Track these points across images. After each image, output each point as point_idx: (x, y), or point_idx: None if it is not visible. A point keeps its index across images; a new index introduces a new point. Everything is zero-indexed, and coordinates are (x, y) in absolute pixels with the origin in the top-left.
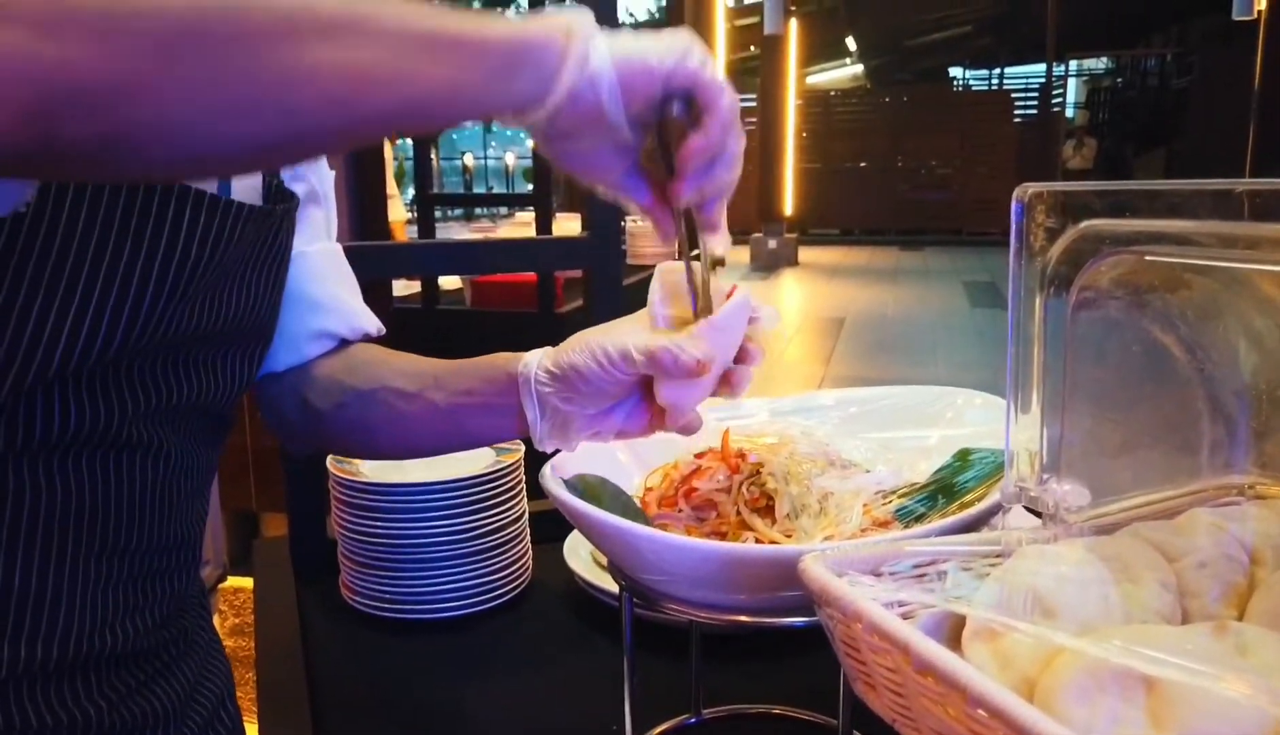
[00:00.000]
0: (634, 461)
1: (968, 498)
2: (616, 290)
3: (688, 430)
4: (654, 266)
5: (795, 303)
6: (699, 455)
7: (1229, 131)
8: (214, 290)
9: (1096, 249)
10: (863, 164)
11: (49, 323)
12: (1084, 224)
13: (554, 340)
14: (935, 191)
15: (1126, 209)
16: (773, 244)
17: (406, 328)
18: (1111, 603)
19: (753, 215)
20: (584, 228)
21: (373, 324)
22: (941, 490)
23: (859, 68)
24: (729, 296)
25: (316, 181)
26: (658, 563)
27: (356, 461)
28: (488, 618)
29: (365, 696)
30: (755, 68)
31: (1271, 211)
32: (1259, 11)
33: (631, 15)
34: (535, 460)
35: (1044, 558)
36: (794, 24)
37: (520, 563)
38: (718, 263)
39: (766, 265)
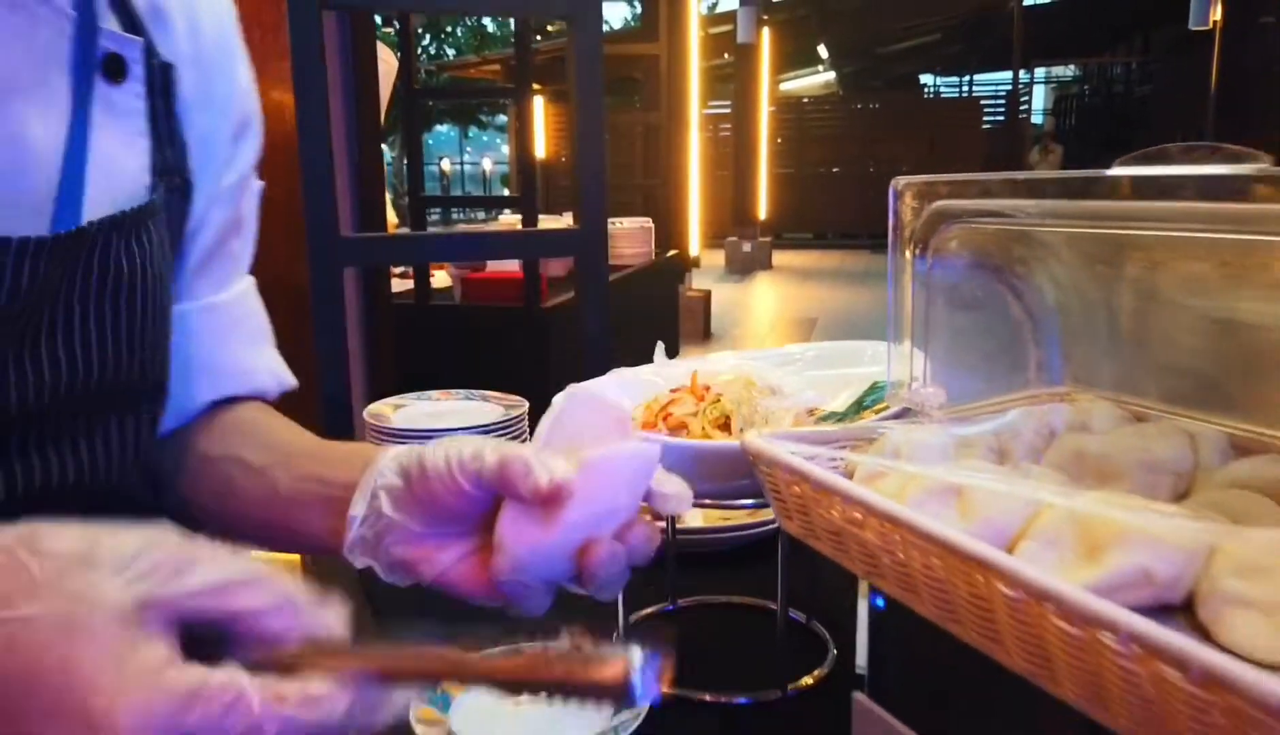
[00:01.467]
0: (624, 397)
1: (871, 411)
2: (603, 277)
3: (521, 606)
4: (631, 266)
5: (769, 304)
6: (674, 391)
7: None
8: (30, 345)
9: (943, 222)
10: (835, 169)
11: None
12: (935, 204)
13: (540, 333)
14: None
15: (987, 193)
16: (747, 247)
17: (401, 323)
18: (949, 455)
19: (727, 220)
20: (575, 221)
21: (274, 381)
22: (854, 407)
23: (831, 75)
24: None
25: (244, 205)
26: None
27: (386, 407)
28: None
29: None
30: (729, 75)
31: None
32: (1214, 22)
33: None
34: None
35: (908, 431)
36: (766, 33)
37: None
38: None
39: (741, 268)
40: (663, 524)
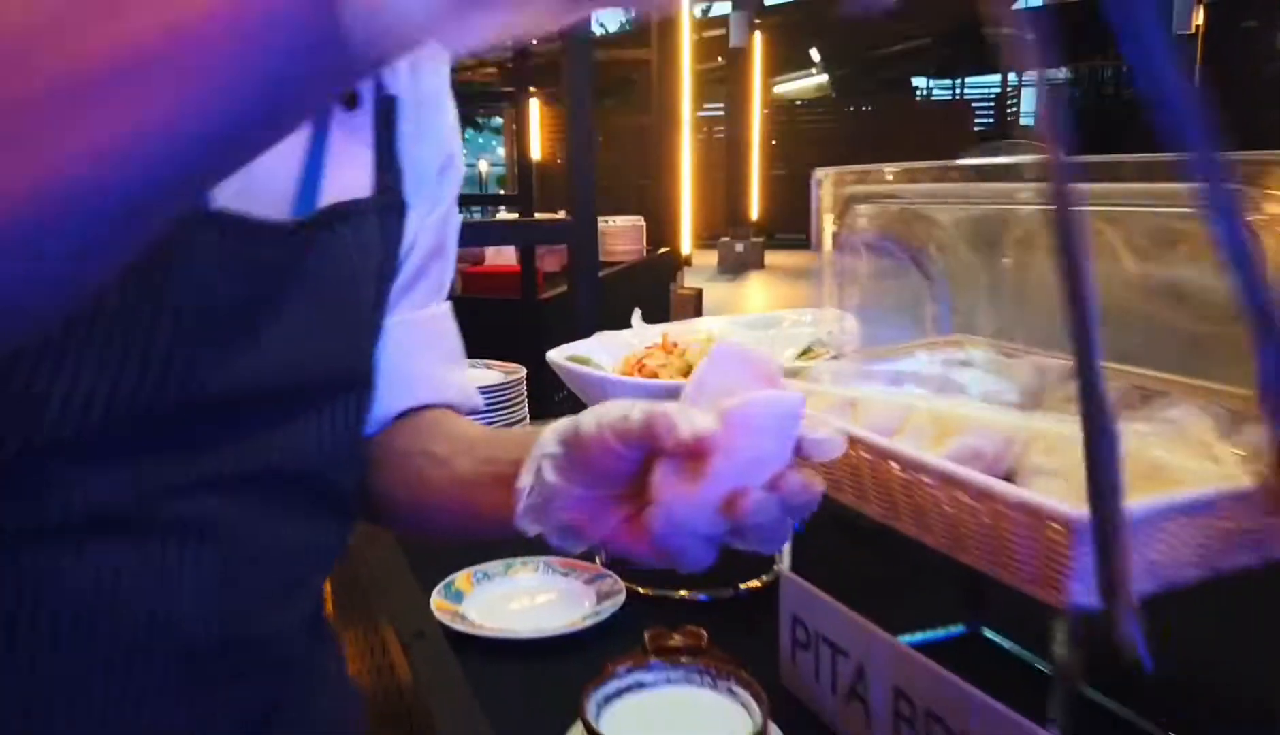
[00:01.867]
0: (605, 357)
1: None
2: (593, 262)
3: (682, 561)
4: (623, 262)
5: (759, 301)
6: (648, 348)
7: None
8: (250, 333)
9: (852, 204)
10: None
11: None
12: (846, 189)
13: (536, 323)
14: None
15: (888, 180)
16: (739, 248)
17: None
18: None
19: (721, 220)
20: (568, 214)
21: (463, 397)
22: (798, 355)
23: (824, 78)
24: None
25: (447, 233)
26: (623, 396)
27: None
28: None
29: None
30: (723, 78)
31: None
32: (1197, 27)
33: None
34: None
35: (827, 366)
36: (758, 37)
37: None
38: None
39: (733, 268)
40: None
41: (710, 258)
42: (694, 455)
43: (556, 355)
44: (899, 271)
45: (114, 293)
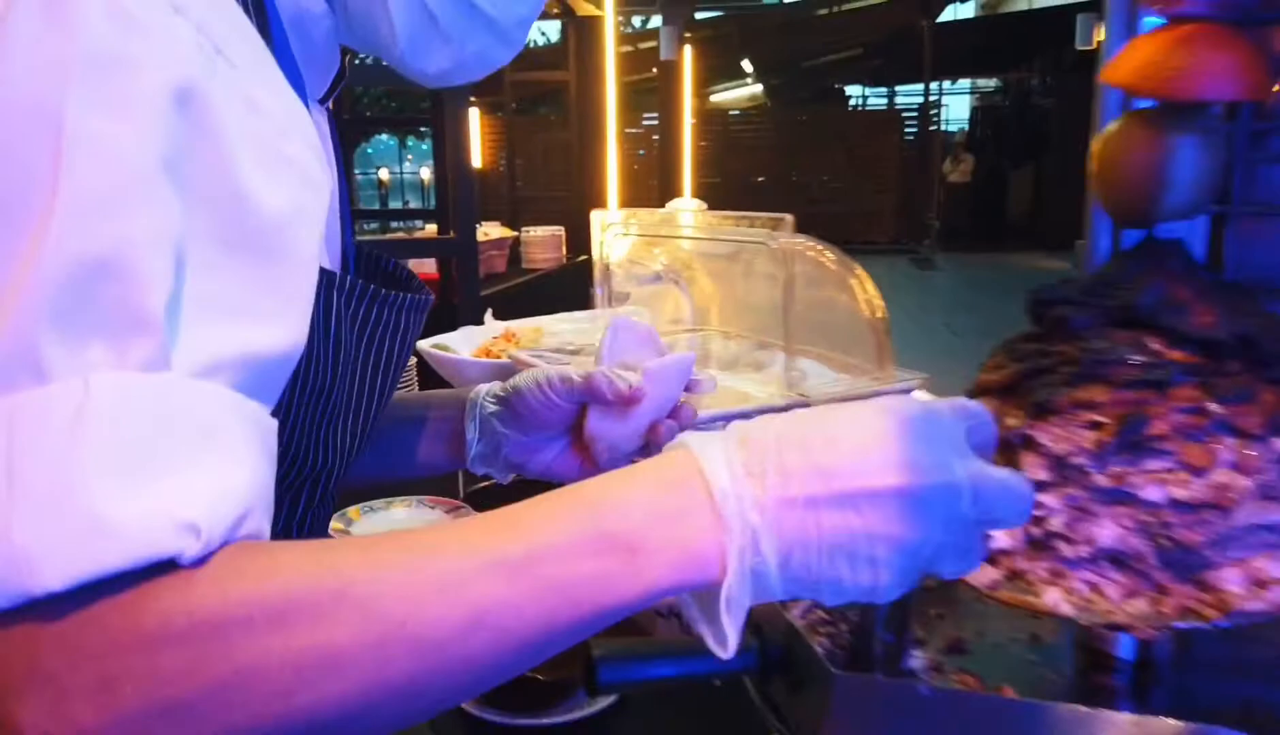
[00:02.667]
0: (464, 345)
1: None
2: (473, 274)
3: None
4: (543, 270)
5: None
6: (495, 337)
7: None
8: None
9: (618, 238)
10: (760, 179)
11: None
12: (611, 229)
13: (449, 325)
14: (827, 204)
15: (654, 220)
16: None
17: None
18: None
19: None
20: (451, 230)
21: None
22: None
23: (758, 88)
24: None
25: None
26: (466, 374)
27: None
28: None
29: None
30: (656, 88)
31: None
32: (1098, 42)
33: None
34: None
35: None
36: (688, 50)
37: None
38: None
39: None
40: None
41: None
42: (624, 402)
43: (425, 344)
44: (666, 283)
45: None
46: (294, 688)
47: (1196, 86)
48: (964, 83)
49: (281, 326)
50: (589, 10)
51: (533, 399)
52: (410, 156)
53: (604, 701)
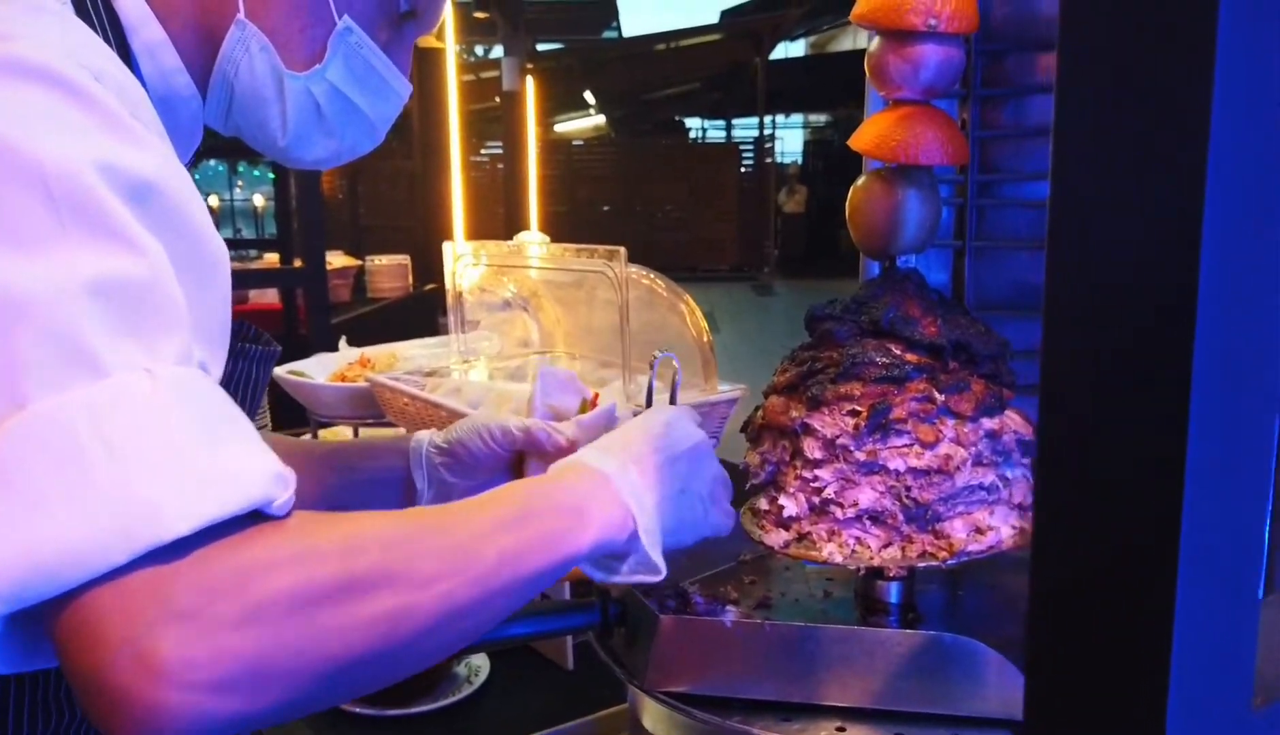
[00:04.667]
0: (320, 371)
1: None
2: (323, 300)
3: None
4: (389, 298)
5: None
6: (351, 364)
7: None
8: None
9: (470, 268)
10: (605, 208)
11: None
12: (462, 259)
13: (297, 355)
14: (670, 233)
15: (489, 253)
16: None
17: None
18: (479, 376)
19: None
20: (301, 261)
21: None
22: (456, 364)
23: (601, 118)
24: (595, 400)
25: None
26: (323, 399)
27: None
28: None
29: None
30: (500, 116)
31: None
32: None
33: None
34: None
35: (459, 368)
36: (530, 81)
37: None
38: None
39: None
40: None
41: None
42: (561, 453)
43: (280, 370)
44: (516, 310)
45: None
46: (387, 595)
47: (915, 154)
48: (797, 117)
49: (222, 353)
50: (431, 43)
51: (476, 449)
52: (241, 182)
53: (468, 688)
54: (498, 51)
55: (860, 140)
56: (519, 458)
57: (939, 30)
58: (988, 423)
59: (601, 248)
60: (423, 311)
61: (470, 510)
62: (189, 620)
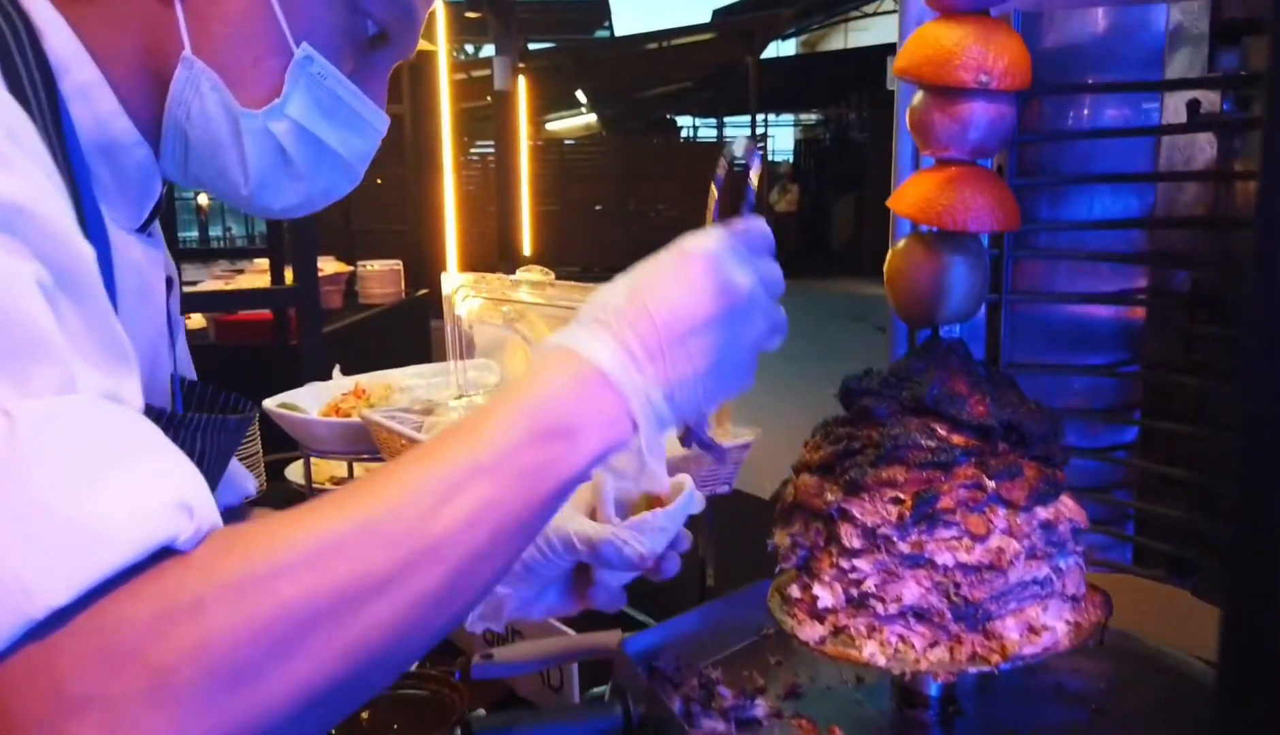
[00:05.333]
0: (312, 402)
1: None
2: (317, 319)
3: (611, 608)
4: (382, 305)
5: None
6: (345, 394)
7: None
8: None
9: (469, 301)
10: (598, 207)
11: None
12: (465, 296)
13: (288, 368)
14: (663, 232)
15: (486, 284)
16: None
17: None
18: None
19: (494, 256)
20: (294, 279)
21: (249, 479)
22: (455, 399)
23: (593, 117)
24: (672, 487)
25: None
26: (316, 433)
27: None
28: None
29: None
30: (492, 115)
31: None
32: None
33: None
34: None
35: (457, 402)
36: (523, 80)
37: (257, 480)
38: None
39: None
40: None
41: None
42: (637, 569)
43: (271, 403)
44: (507, 338)
45: None
46: (345, 617)
47: (962, 220)
48: (788, 116)
49: (135, 383)
50: (422, 45)
51: (532, 560)
52: None
53: None
54: (489, 50)
55: (902, 203)
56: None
57: (991, 87)
58: (1041, 512)
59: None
60: (416, 318)
61: (426, 467)
62: (90, 707)
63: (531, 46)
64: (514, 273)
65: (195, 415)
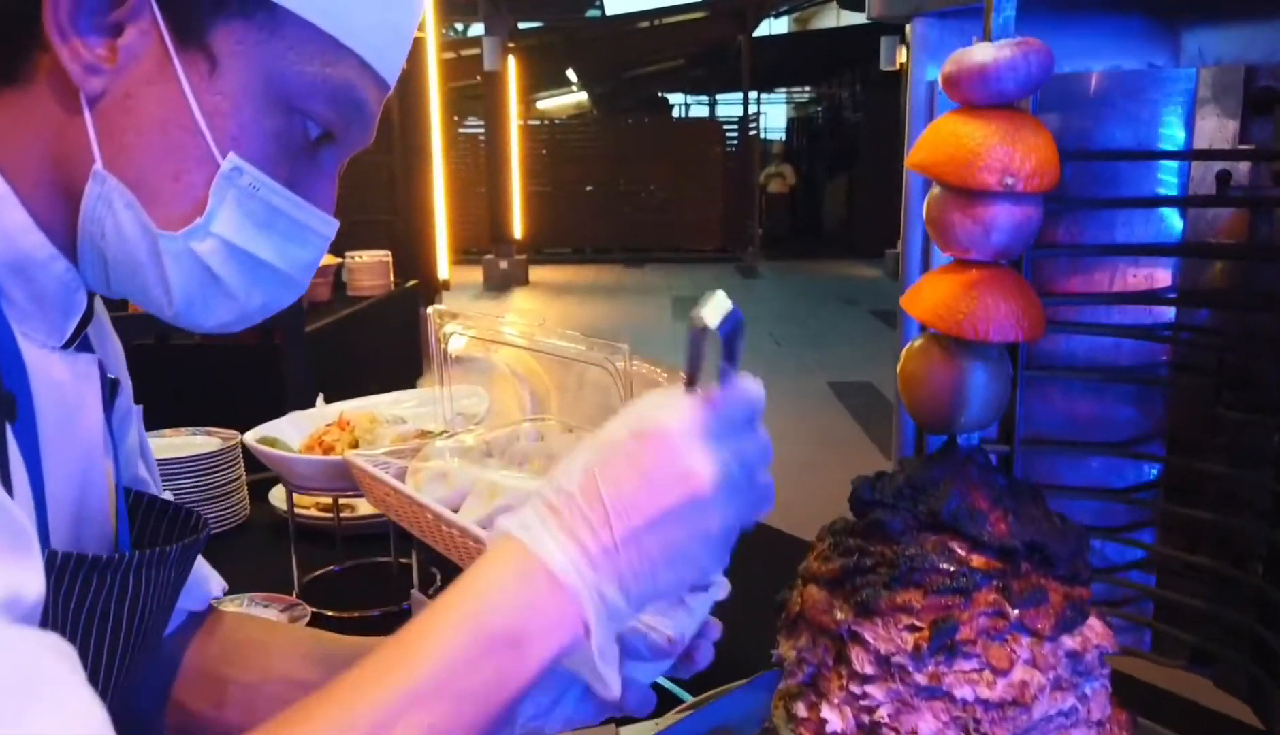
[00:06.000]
0: (294, 434)
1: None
2: (299, 332)
3: (641, 710)
4: (370, 297)
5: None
6: (328, 425)
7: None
8: None
9: (453, 334)
10: (589, 188)
11: None
12: (448, 327)
13: (272, 369)
14: (655, 213)
15: (467, 319)
16: (504, 264)
17: (142, 365)
18: (460, 455)
19: (484, 237)
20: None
21: (213, 581)
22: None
23: (584, 95)
24: None
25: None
26: (298, 471)
27: None
28: (228, 536)
29: None
30: (482, 95)
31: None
32: (900, 64)
33: None
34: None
35: (443, 440)
36: (513, 60)
37: (241, 504)
38: None
39: (498, 285)
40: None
41: (475, 274)
42: (663, 656)
43: (250, 438)
44: (499, 372)
45: None
46: None
47: (984, 331)
48: (780, 94)
49: (35, 570)
50: None
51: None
52: None
53: None
54: (477, 29)
55: (918, 306)
56: None
57: (1016, 190)
58: (1068, 642)
59: (600, 341)
60: (404, 310)
61: (363, 694)
62: None
63: (521, 25)
64: (510, 255)
65: (134, 555)
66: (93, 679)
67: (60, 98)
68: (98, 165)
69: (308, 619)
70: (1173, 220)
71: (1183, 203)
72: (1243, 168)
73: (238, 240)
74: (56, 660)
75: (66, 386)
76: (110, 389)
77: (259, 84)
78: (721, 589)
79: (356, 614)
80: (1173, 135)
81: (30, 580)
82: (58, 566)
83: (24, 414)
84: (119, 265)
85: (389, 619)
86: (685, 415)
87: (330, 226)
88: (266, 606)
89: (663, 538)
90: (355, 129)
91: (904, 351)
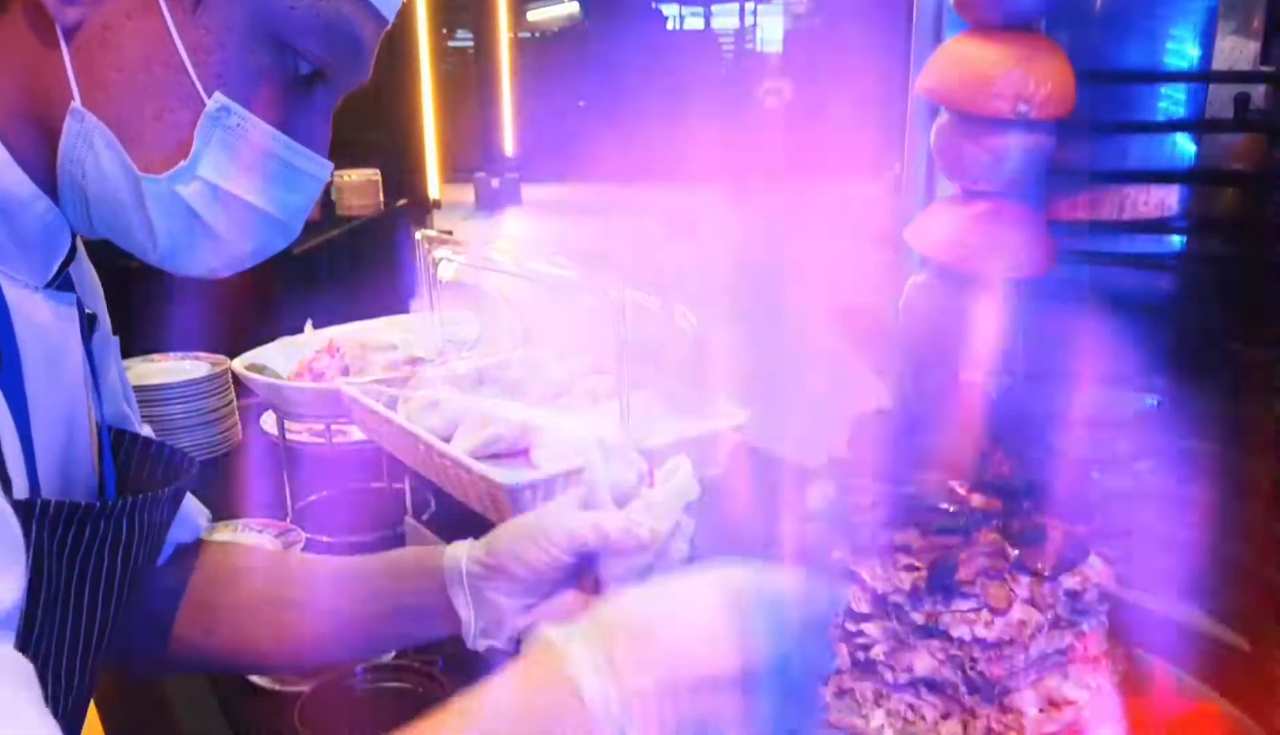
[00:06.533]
0: (282, 361)
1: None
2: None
3: None
4: (360, 217)
5: (517, 236)
6: (317, 351)
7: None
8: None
9: (441, 260)
10: (581, 103)
11: None
12: (438, 251)
13: (261, 291)
14: (650, 129)
15: (457, 243)
16: (495, 183)
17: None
18: (450, 383)
19: (476, 160)
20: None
21: (199, 515)
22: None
23: (575, 6)
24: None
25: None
26: (289, 397)
27: None
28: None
29: None
30: (469, 4)
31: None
32: None
33: None
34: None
35: (431, 368)
36: None
37: (232, 429)
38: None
39: (489, 204)
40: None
41: (466, 193)
42: (646, 550)
43: (239, 364)
44: (487, 298)
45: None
46: None
47: (991, 267)
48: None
49: (12, 579)
50: None
51: (536, 561)
52: None
53: None
54: None
55: (922, 238)
56: (580, 566)
57: (1030, 117)
58: (1068, 580)
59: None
60: (395, 230)
61: None
62: None
63: None
64: (501, 174)
65: (125, 501)
66: (88, 621)
67: (36, 28)
68: (76, 102)
69: (302, 544)
70: (1184, 145)
71: (1198, 127)
72: (1260, 90)
73: (225, 184)
74: (14, 687)
75: (50, 328)
76: (88, 323)
77: (246, 18)
78: (694, 489)
79: (351, 539)
80: (1188, 54)
81: (8, 588)
82: (50, 516)
83: (9, 360)
84: (100, 205)
85: (383, 543)
86: (774, 587)
87: (324, 169)
88: (260, 532)
89: (698, 702)
90: (349, 66)
91: (907, 285)
